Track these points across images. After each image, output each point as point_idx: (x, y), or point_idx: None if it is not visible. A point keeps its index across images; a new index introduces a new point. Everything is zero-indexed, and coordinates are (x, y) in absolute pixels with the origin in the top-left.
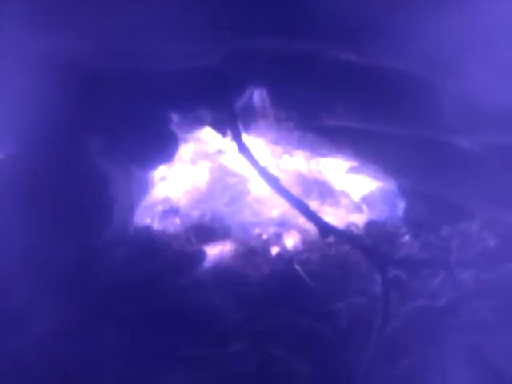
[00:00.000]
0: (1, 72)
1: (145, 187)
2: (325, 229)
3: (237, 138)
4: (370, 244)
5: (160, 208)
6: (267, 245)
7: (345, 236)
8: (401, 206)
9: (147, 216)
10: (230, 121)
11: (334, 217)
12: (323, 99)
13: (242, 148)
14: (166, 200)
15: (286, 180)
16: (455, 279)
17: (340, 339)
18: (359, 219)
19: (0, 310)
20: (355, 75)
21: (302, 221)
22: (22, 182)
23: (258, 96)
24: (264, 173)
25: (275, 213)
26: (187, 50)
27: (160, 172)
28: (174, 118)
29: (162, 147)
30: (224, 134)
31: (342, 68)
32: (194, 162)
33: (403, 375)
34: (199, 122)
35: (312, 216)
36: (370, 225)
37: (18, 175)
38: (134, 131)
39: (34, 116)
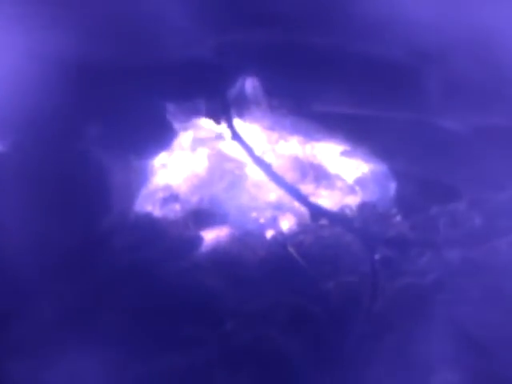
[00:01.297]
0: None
1: (144, 176)
2: (318, 211)
3: (230, 125)
4: (362, 225)
5: (161, 195)
6: (263, 228)
7: (338, 218)
8: (392, 187)
9: (148, 203)
10: (224, 109)
11: (329, 199)
12: (314, 86)
13: (235, 135)
14: (166, 187)
15: (282, 164)
16: (442, 257)
17: (331, 316)
18: (353, 201)
19: (2, 299)
20: (344, 62)
21: (297, 204)
22: (22, 173)
23: (250, 84)
24: (257, 159)
25: (272, 197)
26: (179, 42)
27: (160, 160)
28: (170, 107)
29: (159, 137)
30: (218, 122)
31: (330, 55)
32: (193, 149)
33: (390, 349)
34: (195, 111)
35: (305, 200)
36: (362, 206)
37: (18, 166)
38: (131, 122)
39: (33, 108)
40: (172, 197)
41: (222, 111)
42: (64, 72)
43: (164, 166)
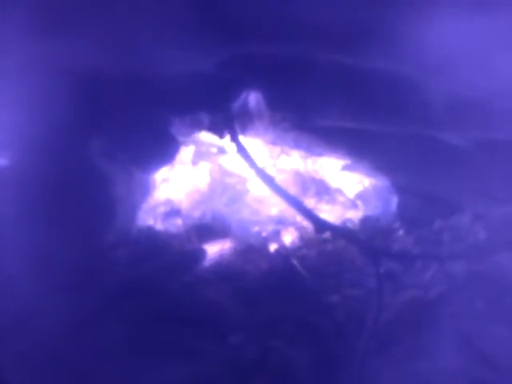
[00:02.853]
0: (3, 77)
1: (147, 189)
2: (321, 225)
3: (234, 139)
4: (365, 239)
5: (162, 209)
6: (266, 242)
7: (341, 232)
8: (394, 201)
9: (150, 217)
10: (227, 123)
11: (330, 214)
12: (317, 100)
13: (240, 149)
14: (167, 201)
15: (283, 179)
16: (447, 271)
17: (336, 330)
18: (355, 215)
19: (7, 313)
20: (347, 77)
21: (299, 218)
22: (25, 186)
23: (253, 99)
24: (260, 172)
25: (274, 211)
26: (185, 56)
27: (162, 174)
28: (174, 121)
29: (163, 150)
30: (222, 136)
31: (334, 70)
32: (194, 163)
33: (396, 363)
34: (198, 125)
35: (308, 213)
36: (364, 220)
37: (21, 179)
38: (135, 135)
39: (37, 120)
40: (173, 211)
41: (225, 125)
42: (68, 85)
43: (165, 180)
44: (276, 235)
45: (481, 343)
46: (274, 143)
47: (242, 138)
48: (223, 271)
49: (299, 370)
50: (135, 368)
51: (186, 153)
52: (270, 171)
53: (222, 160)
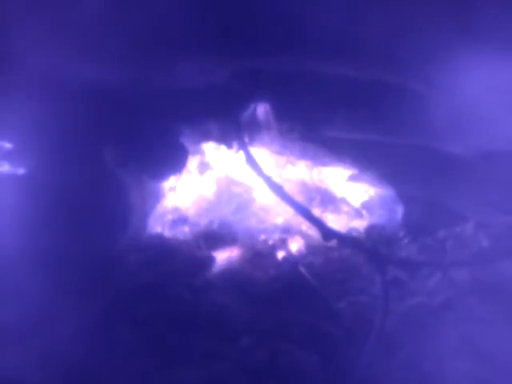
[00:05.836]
0: (22, 90)
1: (157, 197)
2: (327, 233)
3: (243, 149)
4: (371, 247)
5: (170, 217)
6: (273, 249)
7: (346, 240)
8: (399, 210)
9: (158, 225)
10: (236, 133)
11: (335, 223)
12: (323, 112)
13: (249, 158)
14: (175, 209)
15: (289, 189)
16: (450, 278)
17: (343, 335)
18: (360, 224)
19: (20, 314)
20: (353, 89)
21: (305, 227)
22: (43, 194)
23: (262, 110)
24: (269, 181)
25: (279, 220)
26: (196, 68)
27: (169, 183)
28: (184, 131)
29: (172, 159)
30: (230, 146)
31: (340, 83)
32: (201, 172)
33: (402, 366)
34: (207, 135)
35: (315, 221)
36: (370, 229)
37: (38, 186)
38: (147, 144)
39: (53, 131)
40: (181, 219)
41: (234, 135)
42: (83, 96)
43: (172, 188)
44: (283, 243)
45: (483, 344)
46: (280, 153)
47: (250, 148)
48: (232, 276)
49: (308, 373)
50: (146, 371)
51: (193, 162)
52: (276, 180)
53: (229, 169)
